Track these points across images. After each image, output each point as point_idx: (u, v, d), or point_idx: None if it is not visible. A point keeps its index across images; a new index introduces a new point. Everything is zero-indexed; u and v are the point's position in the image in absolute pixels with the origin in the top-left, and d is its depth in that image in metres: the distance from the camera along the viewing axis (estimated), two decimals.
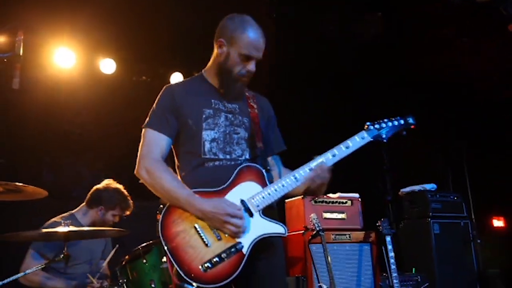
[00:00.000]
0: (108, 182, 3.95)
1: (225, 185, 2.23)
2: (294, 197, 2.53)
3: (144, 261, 3.23)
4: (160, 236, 2.11)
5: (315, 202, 4.57)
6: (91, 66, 5.58)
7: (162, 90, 2.44)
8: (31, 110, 5.14)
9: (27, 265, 3.54)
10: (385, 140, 2.40)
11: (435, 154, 6.67)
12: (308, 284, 4.22)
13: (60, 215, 3.84)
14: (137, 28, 5.36)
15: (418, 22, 5.66)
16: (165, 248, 2.09)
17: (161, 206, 2.26)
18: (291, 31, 5.75)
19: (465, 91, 6.31)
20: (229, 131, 2.37)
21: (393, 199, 5.59)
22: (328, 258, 4.15)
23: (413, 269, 4.95)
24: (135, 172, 2.30)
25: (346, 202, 4.73)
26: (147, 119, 2.38)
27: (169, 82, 3.27)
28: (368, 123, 2.40)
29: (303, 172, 2.27)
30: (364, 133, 2.38)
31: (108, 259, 3.83)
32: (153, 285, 3.16)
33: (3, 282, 3.01)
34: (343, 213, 4.69)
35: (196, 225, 2.14)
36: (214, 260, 2.08)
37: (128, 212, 3.95)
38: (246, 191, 2.22)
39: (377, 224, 4.53)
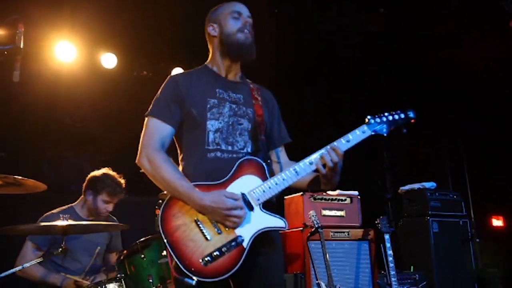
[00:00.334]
0: (103, 170, 3.93)
1: (226, 178, 2.23)
2: (300, 189, 2.50)
3: (142, 256, 3.22)
4: (160, 230, 2.11)
5: (314, 199, 4.57)
6: (92, 60, 5.59)
7: (166, 79, 2.44)
8: (32, 104, 5.15)
9: (24, 258, 3.55)
10: (385, 134, 2.37)
11: (435, 152, 6.66)
12: (306, 281, 4.23)
13: (59, 208, 3.84)
14: (138, 23, 5.36)
15: (417, 19, 5.65)
16: (165, 241, 2.08)
17: (160, 201, 2.26)
18: (291, 29, 5.74)
19: (465, 89, 6.30)
20: (233, 121, 2.37)
21: (392, 197, 5.62)
22: (326, 255, 4.16)
23: (412, 267, 4.96)
24: (136, 161, 2.30)
25: (345, 200, 4.73)
26: (150, 107, 2.37)
27: None
28: (369, 117, 2.37)
29: (303, 165, 2.25)
30: (364, 127, 2.36)
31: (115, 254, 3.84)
32: (151, 280, 3.15)
33: (2, 275, 3.02)
34: (342, 210, 4.69)
35: (197, 219, 2.13)
36: (215, 254, 2.08)
37: (116, 199, 3.86)
38: (246, 185, 2.21)
39: (376, 222, 4.54)
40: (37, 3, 4.63)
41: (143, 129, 2.35)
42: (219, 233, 2.13)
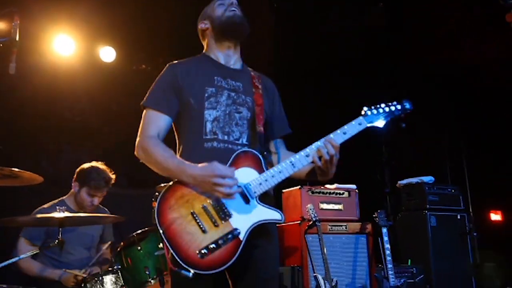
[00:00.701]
0: (93, 163, 3.92)
1: None
2: (299, 179, 2.49)
3: (139, 248, 3.22)
4: (157, 222, 2.11)
5: (312, 192, 4.58)
6: (91, 54, 5.57)
7: (165, 68, 2.44)
8: (31, 97, 5.13)
9: (19, 253, 3.53)
10: (382, 126, 2.35)
11: (433, 146, 6.66)
12: (303, 274, 4.25)
13: (50, 202, 3.84)
14: (137, 17, 5.34)
15: (419, 17, 5.64)
16: (162, 234, 2.08)
17: (157, 193, 2.26)
18: (290, 25, 5.73)
19: (464, 84, 6.30)
20: (230, 110, 2.36)
21: (390, 191, 5.62)
22: (324, 248, 4.17)
23: (409, 261, 4.98)
24: (135, 153, 2.31)
25: (343, 193, 4.74)
26: (146, 96, 2.38)
27: None
28: (365, 108, 2.35)
29: (299, 157, 2.24)
30: (361, 118, 2.34)
31: (107, 245, 3.85)
32: (147, 272, 3.16)
33: None
34: (340, 204, 4.70)
35: (193, 211, 2.13)
36: (211, 246, 2.08)
37: (100, 193, 3.83)
38: (243, 177, 2.20)
39: (374, 215, 4.55)
40: None
41: (141, 121, 2.36)
42: (215, 226, 2.13)
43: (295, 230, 4.40)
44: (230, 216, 2.15)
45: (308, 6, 5.61)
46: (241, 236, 2.13)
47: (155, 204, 2.17)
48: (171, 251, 2.07)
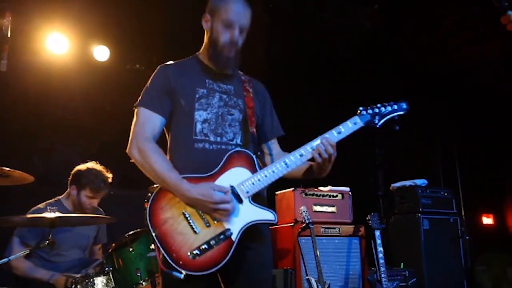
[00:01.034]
0: (89, 164, 3.86)
1: (215, 170, 2.21)
2: (293, 180, 2.47)
3: (131, 249, 3.20)
4: (148, 223, 2.09)
5: (306, 194, 4.57)
6: (85, 53, 5.53)
7: (156, 69, 2.42)
8: (24, 95, 5.10)
9: (11, 252, 3.50)
10: (378, 126, 2.34)
11: (427, 149, 6.68)
12: (296, 277, 4.23)
13: (46, 201, 3.80)
14: (132, 16, 5.32)
15: (414, 18, 5.65)
16: (153, 234, 2.07)
17: (150, 194, 2.24)
18: (284, 26, 5.72)
19: (458, 87, 6.32)
20: (222, 112, 2.35)
21: (384, 193, 5.63)
22: (317, 251, 4.16)
23: (402, 264, 4.97)
24: (127, 150, 2.28)
25: (336, 196, 4.73)
26: (140, 97, 2.35)
27: None
28: (361, 108, 2.35)
29: (294, 157, 2.24)
30: (356, 118, 2.33)
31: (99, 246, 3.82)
32: (139, 274, 3.14)
33: None
34: (333, 206, 4.69)
35: (185, 212, 2.12)
36: (203, 247, 2.06)
37: (100, 195, 3.79)
38: (235, 177, 2.19)
39: (367, 218, 4.54)
40: None
41: (134, 119, 2.33)
42: (207, 226, 2.11)
43: (288, 232, 4.39)
44: None
45: (302, 6, 5.60)
46: (234, 237, 2.11)
47: (148, 205, 2.15)
48: (162, 252, 2.05)
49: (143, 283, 3.16)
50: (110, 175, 3.87)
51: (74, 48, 5.42)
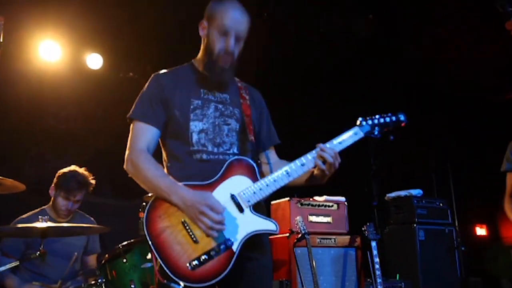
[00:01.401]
0: (72, 167, 3.85)
1: (215, 178, 2.15)
2: (288, 188, 2.43)
3: (125, 260, 3.13)
4: (145, 231, 2.02)
5: (301, 204, 4.53)
6: (78, 61, 5.50)
7: (150, 79, 2.37)
8: (15, 103, 5.04)
9: None
10: (378, 137, 2.34)
11: (421, 160, 6.68)
12: None
13: (31, 212, 3.74)
14: (125, 24, 5.28)
15: (408, 25, 5.67)
16: (150, 244, 2.00)
17: (144, 203, 2.18)
18: (279, 34, 5.72)
19: (452, 98, 6.34)
20: (219, 122, 2.30)
21: (379, 204, 5.59)
22: (312, 262, 4.11)
23: (397, 276, 4.93)
24: (124, 167, 2.23)
25: (332, 206, 4.70)
26: (133, 108, 2.30)
27: None
28: (360, 119, 2.34)
29: (295, 166, 2.20)
30: (357, 129, 2.32)
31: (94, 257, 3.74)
32: (133, 286, 3.06)
33: None
34: (329, 216, 4.65)
35: (184, 221, 2.05)
36: (203, 257, 2.00)
37: (73, 196, 3.72)
38: (236, 186, 2.14)
39: (362, 228, 4.50)
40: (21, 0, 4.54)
41: (129, 134, 2.28)
42: (207, 236, 2.04)
43: (284, 243, 4.34)
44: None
45: (296, 14, 5.60)
46: (234, 247, 2.05)
47: (143, 215, 2.08)
48: (160, 262, 1.98)
49: None
50: (92, 181, 3.83)
51: (66, 56, 5.37)
